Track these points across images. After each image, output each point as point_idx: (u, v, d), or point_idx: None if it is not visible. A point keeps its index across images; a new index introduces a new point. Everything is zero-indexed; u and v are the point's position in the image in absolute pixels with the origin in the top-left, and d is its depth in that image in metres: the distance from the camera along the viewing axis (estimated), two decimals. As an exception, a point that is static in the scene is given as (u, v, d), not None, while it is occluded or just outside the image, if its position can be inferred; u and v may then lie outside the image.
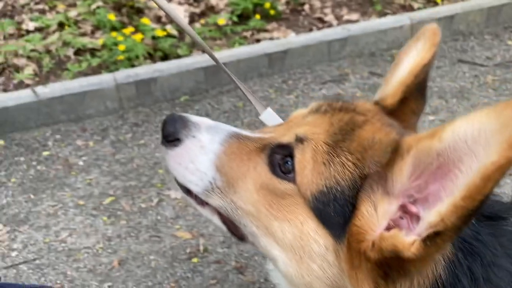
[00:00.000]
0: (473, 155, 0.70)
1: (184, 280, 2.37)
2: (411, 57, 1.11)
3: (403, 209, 0.85)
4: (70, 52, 4.16)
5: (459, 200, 0.70)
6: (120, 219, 2.80)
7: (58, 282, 2.39)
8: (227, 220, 1.12)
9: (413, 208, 0.83)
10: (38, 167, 3.21)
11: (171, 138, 1.09)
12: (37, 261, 2.52)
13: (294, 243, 0.95)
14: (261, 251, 1.07)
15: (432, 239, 0.76)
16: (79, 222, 2.78)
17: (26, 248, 2.61)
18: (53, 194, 2.97)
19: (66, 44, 4.24)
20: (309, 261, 0.94)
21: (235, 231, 1.12)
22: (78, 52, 4.22)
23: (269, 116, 1.44)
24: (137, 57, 4.27)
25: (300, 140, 0.97)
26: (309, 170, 0.93)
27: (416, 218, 0.83)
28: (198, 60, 4.05)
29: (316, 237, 0.92)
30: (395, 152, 0.84)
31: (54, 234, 2.70)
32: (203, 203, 1.12)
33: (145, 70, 3.92)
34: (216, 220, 1.14)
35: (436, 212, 0.75)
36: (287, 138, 1.01)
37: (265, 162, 1.02)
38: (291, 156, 0.97)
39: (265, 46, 4.23)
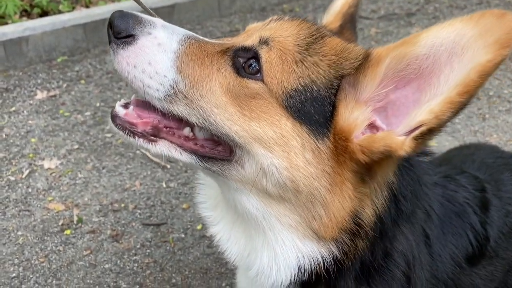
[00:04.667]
0: (457, 57, 0.80)
1: (55, 253, 2.24)
2: None
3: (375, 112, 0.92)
4: None
5: (456, 96, 0.79)
6: (-15, 195, 2.57)
7: None
8: (197, 147, 0.99)
9: (384, 113, 0.91)
10: None
11: (123, 35, 0.94)
12: None
13: (278, 140, 0.92)
14: (251, 165, 0.95)
15: (424, 135, 0.84)
16: None
17: None
18: None
19: None
20: (294, 157, 0.92)
21: (213, 152, 0.99)
22: None
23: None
24: (9, 15, 3.84)
25: (265, 41, 0.96)
26: (279, 69, 0.93)
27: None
28: (76, 16, 3.73)
29: (294, 134, 0.92)
30: (366, 59, 0.92)
31: None
32: (153, 139, 0.98)
33: (14, 29, 3.53)
34: (176, 153, 0.98)
35: (428, 111, 0.82)
36: (250, 41, 0.98)
37: (229, 65, 0.97)
38: (256, 58, 0.95)
39: (151, 1, 3.98)
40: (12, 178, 2.67)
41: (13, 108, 3.21)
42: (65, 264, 2.19)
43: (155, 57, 0.94)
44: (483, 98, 3.28)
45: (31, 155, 2.82)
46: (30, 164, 2.76)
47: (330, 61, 0.95)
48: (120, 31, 0.94)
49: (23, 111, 3.19)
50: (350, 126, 0.92)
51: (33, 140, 2.94)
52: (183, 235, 2.32)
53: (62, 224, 2.39)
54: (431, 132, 0.84)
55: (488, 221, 1.36)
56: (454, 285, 1.33)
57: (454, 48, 0.81)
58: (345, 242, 0.97)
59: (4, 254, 2.24)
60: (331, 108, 0.93)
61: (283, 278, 1.00)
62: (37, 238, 2.32)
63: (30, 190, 2.59)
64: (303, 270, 0.99)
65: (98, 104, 3.25)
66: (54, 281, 2.12)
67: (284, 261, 1.00)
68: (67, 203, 2.51)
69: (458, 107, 0.81)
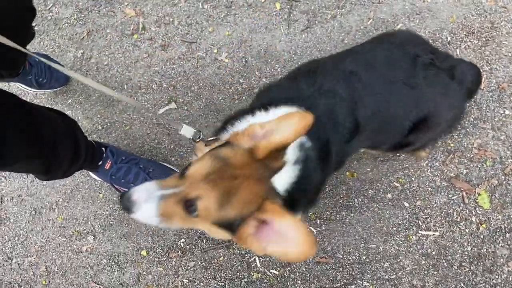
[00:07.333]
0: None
1: (128, 52, 3.39)
2: (286, 130, 1.43)
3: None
4: None
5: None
6: (86, -8, 3.64)
7: (51, 48, 3.59)
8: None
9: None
10: None
11: (129, 211, 1.54)
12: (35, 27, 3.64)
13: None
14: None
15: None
16: (59, -7, 3.69)
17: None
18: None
19: None
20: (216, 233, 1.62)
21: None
22: None
23: (186, 130, 2.07)
24: None
25: (199, 198, 1.51)
26: (207, 211, 1.51)
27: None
28: None
29: (218, 232, 1.58)
30: (260, 207, 1.48)
31: (43, 3, 3.69)
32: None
33: None
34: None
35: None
36: (193, 194, 1.52)
37: (182, 209, 1.56)
38: (195, 204, 1.52)
39: None
40: (102, -20, 3.63)
41: None
42: (133, 62, 3.40)
43: (150, 218, 1.56)
44: None
45: (114, -44, 3.65)
46: (113, -34, 3.63)
47: (238, 209, 1.49)
48: (126, 209, 1.52)
49: None
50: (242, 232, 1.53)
51: None
52: (204, 55, 3.30)
53: (132, 29, 3.47)
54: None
55: (355, 116, 2.09)
56: (342, 154, 2.25)
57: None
58: None
59: (100, 46, 3.48)
60: (238, 223, 1.51)
61: None
62: (117, 38, 3.49)
63: (113, -7, 3.59)
64: None
65: None
66: (126, 73, 3.41)
67: None
68: (136, 9, 3.50)
69: None
